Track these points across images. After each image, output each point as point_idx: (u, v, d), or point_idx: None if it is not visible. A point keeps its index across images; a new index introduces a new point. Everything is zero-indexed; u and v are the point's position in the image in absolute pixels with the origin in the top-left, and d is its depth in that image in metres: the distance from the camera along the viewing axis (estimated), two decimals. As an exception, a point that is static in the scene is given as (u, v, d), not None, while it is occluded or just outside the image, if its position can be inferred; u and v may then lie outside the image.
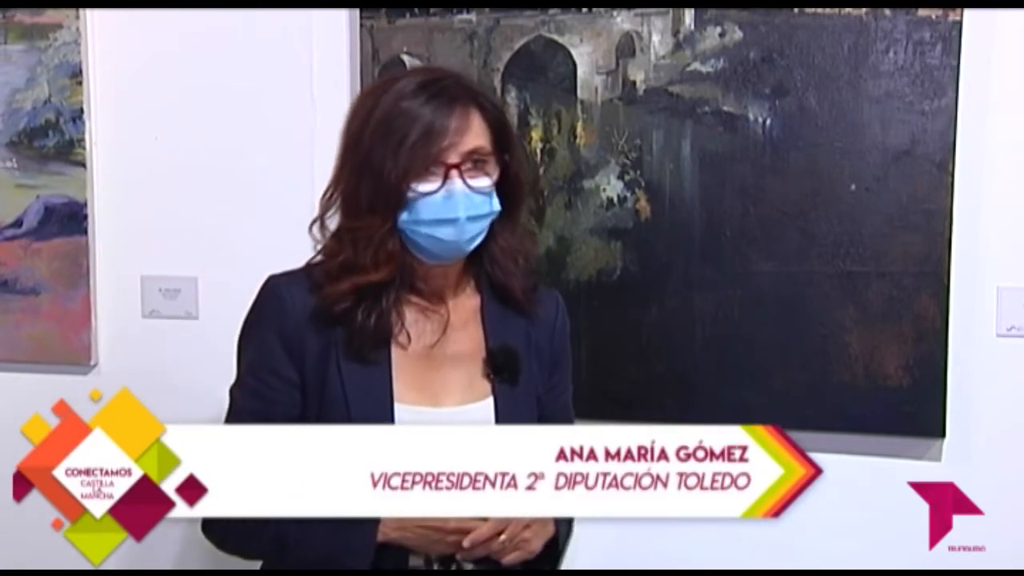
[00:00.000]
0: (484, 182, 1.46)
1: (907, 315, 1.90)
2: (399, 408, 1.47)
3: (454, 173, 1.43)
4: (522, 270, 1.56)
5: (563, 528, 1.53)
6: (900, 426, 1.93)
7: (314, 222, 1.52)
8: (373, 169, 1.43)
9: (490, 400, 1.52)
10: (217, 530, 1.49)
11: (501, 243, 1.53)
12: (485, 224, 1.48)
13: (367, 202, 1.44)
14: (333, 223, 1.51)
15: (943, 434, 1.91)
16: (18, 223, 2.24)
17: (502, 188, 1.49)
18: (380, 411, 1.46)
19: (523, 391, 1.55)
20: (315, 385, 1.48)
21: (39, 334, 2.25)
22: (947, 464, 1.93)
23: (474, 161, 1.45)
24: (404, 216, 1.44)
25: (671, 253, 1.99)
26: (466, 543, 1.41)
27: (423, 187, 1.43)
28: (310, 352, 1.48)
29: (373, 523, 1.41)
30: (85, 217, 2.21)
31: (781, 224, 1.95)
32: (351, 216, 1.47)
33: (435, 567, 1.47)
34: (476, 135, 1.45)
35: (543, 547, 1.49)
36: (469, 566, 1.48)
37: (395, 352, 1.49)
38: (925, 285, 1.89)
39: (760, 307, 1.96)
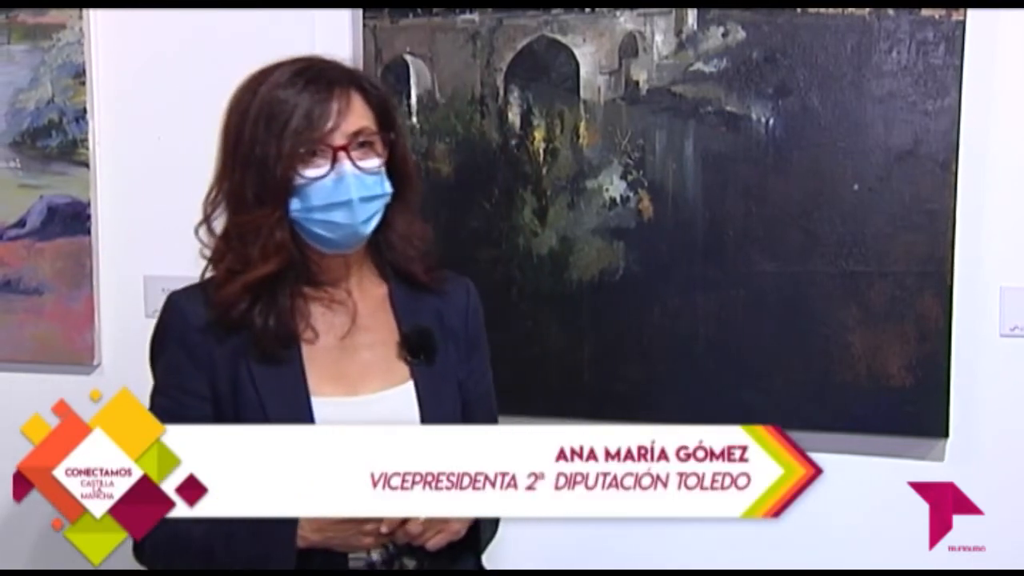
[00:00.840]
0: (374, 162, 1.44)
1: (910, 315, 1.90)
2: (316, 402, 1.45)
3: (342, 155, 1.41)
4: (420, 252, 1.54)
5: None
6: (903, 426, 1.92)
7: (200, 225, 1.50)
8: (256, 161, 1.41)
9: (410, 384, 1.50)
10: (146, 557, 1.45)
11: (399, 230, 1.52)
12: (379, 205, 1.46)
13: (253, 195, 1.42)
14: (220, 228, 1.48)
15: (946, 434, 1.91)
16: (21, 223, 2.24)
17: (392, 170, 1.47)
18: (296, 408, 1.44)
19: (442, 372, 1.52)
20: (227, 392, 1.45)
21: (42, 334, 2.25)
22: (950, 464, 1.93)
23: (360, 143, 1.43)
24: (295, 205, 1.42)
25: (674, 253, 1.99)
26: (383, 528, 1.37)
27: (311, 172, 1.41)
28: (219, 361, 1.45)
29: (291, 527, 1.38)
30: (88, 217, 2.21)
31: (784, 224, 1.94)
32: (238, 212, 1.45)
33: (377, 567, 1.45)
34: (359, 116, 1.43)
35: (467, 530, 1.45)
36: (411, 565, 1.46)
37: (305, 348, 1.47)
38: (928, 285, 1.88)
39: (763, 307, 1.96)
